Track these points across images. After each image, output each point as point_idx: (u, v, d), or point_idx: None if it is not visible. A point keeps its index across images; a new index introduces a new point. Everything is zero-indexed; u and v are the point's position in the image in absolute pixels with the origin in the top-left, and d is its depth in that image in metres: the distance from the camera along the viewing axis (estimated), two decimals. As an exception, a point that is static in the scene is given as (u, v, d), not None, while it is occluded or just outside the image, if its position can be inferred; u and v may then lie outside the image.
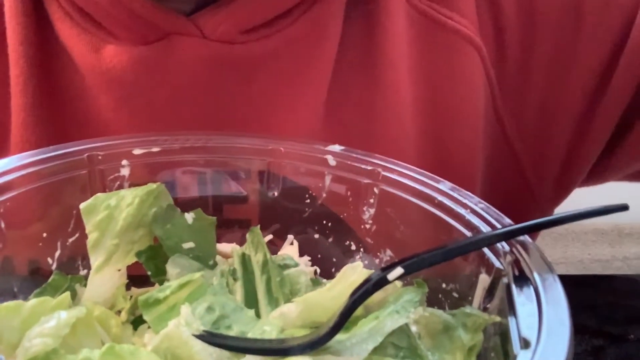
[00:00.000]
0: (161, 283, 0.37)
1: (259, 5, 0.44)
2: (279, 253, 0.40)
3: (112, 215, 0.36)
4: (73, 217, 0.37)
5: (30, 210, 0.37)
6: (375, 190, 0.39)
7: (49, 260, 0.37)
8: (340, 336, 0.31)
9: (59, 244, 0.38)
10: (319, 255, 0.41)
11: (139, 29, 0.43)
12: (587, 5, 0.48)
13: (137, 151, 0.39)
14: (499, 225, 0.33)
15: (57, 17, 0.45)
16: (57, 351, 0.30)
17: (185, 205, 0.39)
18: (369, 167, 0.39)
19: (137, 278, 0.39)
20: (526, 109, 0.50)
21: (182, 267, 0.37)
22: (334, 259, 0.41)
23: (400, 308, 0.32)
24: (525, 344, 0.25)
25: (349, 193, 0.40)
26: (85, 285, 0.37)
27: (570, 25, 0.48)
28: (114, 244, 0.36)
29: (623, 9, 0.48)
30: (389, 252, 0.39)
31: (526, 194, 0.53)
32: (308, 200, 0.41)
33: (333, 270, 0.41)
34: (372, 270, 0.33)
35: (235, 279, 0.36)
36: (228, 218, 0.42)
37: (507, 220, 0.33)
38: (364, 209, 0.40)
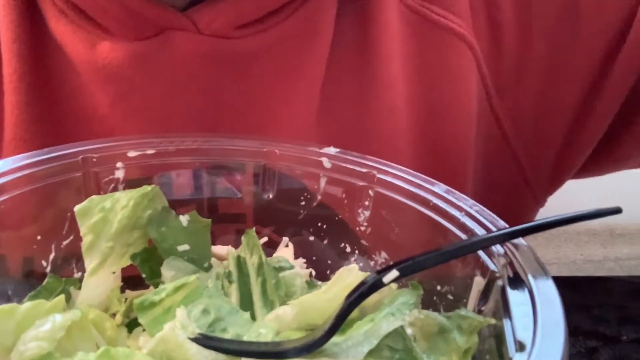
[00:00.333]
0: (156, 285, 0.37)
1: (253, 1, 0.44)
2: (274, 255, 0.40)
3: (107, 218, 0.36)
4: (67, 219, 0.37)
5: (24, 213, 0.36)
6: (370, 192, 0.39)
7: (43, 262, 0.37)
8: (336, 339, 0.31)
9: (53, 246, 0.37)
10: (314, 257, 0.41)
11: (135, 25, 0.44)
12: (584, 3, 0.49)
13: (131, 153, 0.39)
14: (493, 228, 0.33)
15: (51, 15, 0.45)
16: (52, 354, 0.30)
17: (180, 206, 0.39)
18: (364, 170, 0.39)
19: (131, 279, 0.38)
20: (522, 105, 0.51)
21: (177, 269, 0.37)
22: (329, 261, 0.41)
23: (396, 310, 0.32)
24: (521, 346, 0.26)
25: (344, 195, 0.40)
26: (79, 288, 0.37)
27: (567, 22, 0.49)
28: (109, 247, 0.36)
29: (620, 4, 0.48)
30: (384, 254, 0.39)
31: (521, 185, 0.54)
32: (303, 202, 0.41)
33: (328, 272, 0.41)
34: (368, 273, 0.33)
35: (230, 282, 0.36)
36: (223, 213, 0.42)
37: (502, 223, 0.33)
38: (359, 211, 0.40)
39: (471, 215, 0.34)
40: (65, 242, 0.38)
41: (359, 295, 0.30)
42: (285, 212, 0.42)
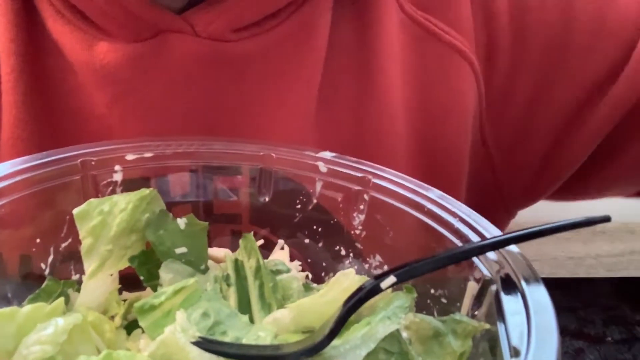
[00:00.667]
0: (154, 287, 0.37)
1: (250, 5, 0.44)
2: (270, 258, 0.41)
3: (106, 221, 0.37)
4: (66, 222, 0.37)
5: (23, 216, 0.37)
6: (366, 196, 0.40)
7: (42, 265, 0.38)
8: (334, 342, 0.31)
9: (51, 249, 0.38)
10: (309, 260, 0.42)
11: (132, 27, 0.44)
12: (578, 29, 0.50)
13: (130, 156, 0.39)
14: (487, 234, 0.34)
15: (49, 15, 0.45)
16: (54, 358, 0.30)
17: (175, 207, 0.39)
18: (360, 174, 0.40)
19: (127, 278, 0.39)
20: (506, 119, 0.52)
21: (174, 272, 0.38)
22: (324, 264, 0.42)
23: (392, 314, 0.33)
24: (515, 352, 0.27)
25: (339, 199, 0.41)
26: (77, 290, 0.37)
27: (558, 46, 0.50)
28: (108, 250, 0.36)
29: (617, 34, 0.49)
30: (378, 257, 0.40)
31: (497, 198, 0.55)
32: (299, 206, 0.42)
33: (323, 274, 0.42)
34: (365, 277, 0.34)
35: (228, 285, 0.37)
36: (218, 214, 0.43)
37: (495, 230, 0.34)
38: (354, 215, 0.40)
39: (465, 221, 0.35)
40: (63, 245, 0.38)
41: (357, 301, 0.31)
42: (281, 215, 0.42)
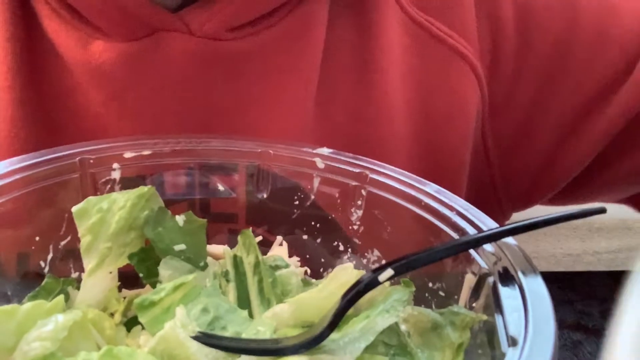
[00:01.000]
0: (153, 285, 0.38)
1: (245, 4, 0.44)
2: (269, 254, 0.41)
3: (105, 219, 0.37)
4: (65, 220, 0.38)
5: (22, 214, 0.37)
6: (363, 192, 0.40)
7: (42, 263, 0.38)
8: (333, 335, 0.32)
9: (51, 247, 0.38)
10: (307, 256, 0.42)
11: (127, 25, 0.44)
12: (581, 38, 0.50)
13: (128, 154, 0.39)
14: (484, 227, 0.34)
15: (45, 14, 0.45)
16: (54, 354, 0.30)
17: (172, 205, 0.40)
18: (357, 170, 0.40)
19: (126, 276, 0.39)
20: (507, 125, 0.52)
21: (174, 268, 0.38)
22: (322, 260, 0.42)
23: (390, 307, 0.33)
24: (513, 342, 0.27)
25: (337, 195, 0.41)
26: (77, 288, 0.38)
27: (562, 54, 0.50)
28: (107, 247, 0.37)
29: (621, 44, 0.49)
30: (376, 252, 0.40)
31: (493, 200, 0.55)
32: (297, 202, 0.42)
33: (321, 270, 0.42)
34: (363, 271, 0.34)
35: (227, 281, 0.37)
36: (215, 213, 0.43)
37: (492, 223, 0.35)
38: (352, 210, 0.41)
39: (462, 214, 0.36)
40: (63, 243, 0.38)
41: (355, 294, 0.31)
42: (279, 212, 0.43)
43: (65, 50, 0.45)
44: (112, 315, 0.37)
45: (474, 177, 0.53)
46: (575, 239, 1.59)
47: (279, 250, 0.42)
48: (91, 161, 0.38)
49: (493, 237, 0.32)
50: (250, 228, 0.39)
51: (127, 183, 0.40)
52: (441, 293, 0.36)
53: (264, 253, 0.41)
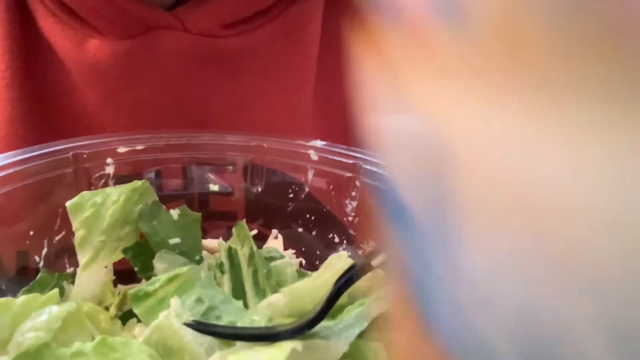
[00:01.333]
0: (148, 279, 0.37)
1: (240, 1, 0.45)
2: (264, 247, 0.41)
3: (99, 213, 0.37)
4: (59, 215, 0.38)
5: (16, 209, 0.37)
6: (357, 183, 0.40)
7: (36, 258, 0.38)
8: (327, 322, 0.32)
9: (45, 242, 0.38)
10: (303, 249, 0.42)
11: (122, 24, 0.44)
12: None
13: (121, 149, 0.39)
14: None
15: (40, 14, 0.46)
16: (48, 345, 0.30)
17: (170, 201, 0.40)
18: (351, 161, 0.40)
19: (123, 273, 0.39)
20: None
21: (168, 262, 0.38)
22: (318, 252, 0.42)
23: (385, 294, 0.33)
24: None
25: (331, 187, 0.41)
26: (72, 283, 0.38)
27: None
28: (101, 241, 0.37)
29: None
30: (372, 243, 0.40)
31: None
32: (291, 195, 0.42)
33: (317, 262, 0.42)
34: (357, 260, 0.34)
35: (222, 272, 0.37)
36: (214, 210, 0.43)
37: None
38: (346, 201, 0.41)
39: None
40: (57, 238, 0.38)
41: (348, 279, 0.31)
42: (274, 206, 0.43)
43: (61, 49, 0.45)
44: (107, 309, 0.37)
45: None
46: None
47: (275, 243, 0.42)
48: (85, 156, 0.38)
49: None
50: (245, 220, 0.39)
51: (123, 180, 0.40)
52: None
53: (260, 247, 0.41)
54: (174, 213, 0.39)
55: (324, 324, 0.31)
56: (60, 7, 0.45)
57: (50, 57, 0.45)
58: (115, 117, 0.45)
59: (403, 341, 0.14)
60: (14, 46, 0.45)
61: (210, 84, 0.46)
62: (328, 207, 0.41)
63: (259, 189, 0.42)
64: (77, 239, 0.36)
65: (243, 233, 0.38)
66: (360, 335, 0.31)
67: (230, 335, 0.30)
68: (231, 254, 0.38)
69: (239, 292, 0.37)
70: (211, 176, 0.42)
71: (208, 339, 0.31)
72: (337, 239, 0.42)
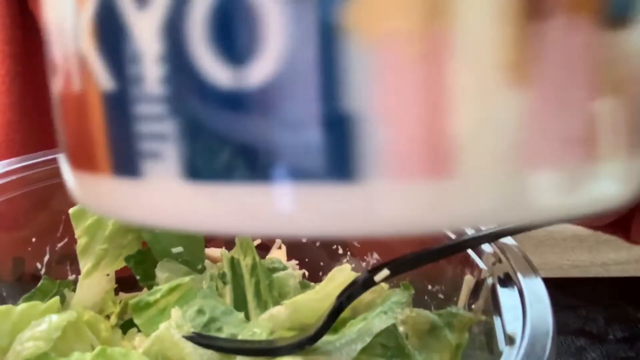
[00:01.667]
0: (150, 287, 0.37)
1: None
2: (268, 257, 0.41)
3: (101, 220, 0.37)
4: (62, 222, 0.37)
5: (19, 215, 0.37)
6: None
7: (38, 265, 0.37)
8: (329, 337, 0.31)
9: (47, 248, 0.38)
10: (307, 259, 0.42)
11: None
12: None
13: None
14: (483, 228, 0.34)
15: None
16: (48, 354, 0.30)
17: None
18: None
19: (125, 281, 0.39)
20: None
21: (171, 271, 0.37)
22: (321, 263, 0.42)
23: (388, 309, 0.33)
24: (510, 340, 0.26)
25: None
26: (73, 290, 0.37)
27: None
28: (103, 249, 0.36)
29: None
30: (375, 255, 0.40)
31: None
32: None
33: (320, 274, 0.41)
34: (360, 273, 0.34)
35: (224, 283, 0.37)
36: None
37: (491, 223, 0.34)
38: (351, 213, 0.40)
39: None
40: (59, 245, 0.38)
41: (350, 294, 0.31)
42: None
43: None
44: (108, 317, 0.37)
45: None
46: (583, 251, 1.57)
47: (278, 253, 0.41)
48: (89, 163, 0.38)
49: (491, 237, 0.32)
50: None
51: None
52: (440, 295, 0.36)
53: (263, 257, 0.40)
54: (177, 221, 0.38)
55: (325, 338, 0.31)
56: None
57: None
58: None
59: None
60: (15, 51, 0.45)
61: None
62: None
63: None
64: (79, 247, 0.36)
65: (246, 243, 0.38)
66: (362, 351, 0.31)
67: (230, 349, 0.30)
68: (234, 264, 0.37)
69: (240, 303, 0.36)
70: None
71: (208, 352, 0.31)
72: (341, 250, 0.41)
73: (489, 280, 0.32)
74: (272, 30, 0.10)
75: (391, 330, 0.32)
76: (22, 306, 0.32)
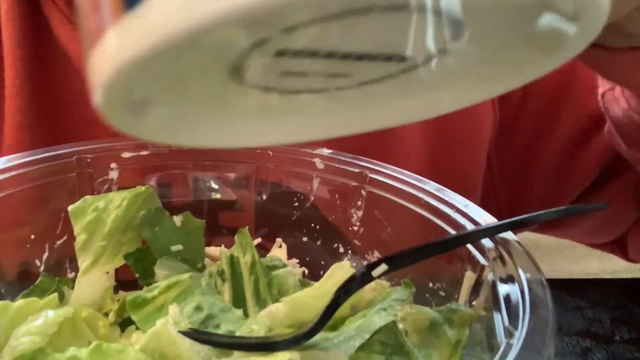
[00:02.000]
0: (149, 286, 0.37)
1: None
2: (267, 255, 0.40)
3: (101, 218, 0.37)
4: (61, 219, 0.37)
5: (18, 212, 0.37)
6: (363, 192, 0.39)
7: (37, 262, 0.37)
8: (328, 334, 0.31)
9: (47, 246, 0.38)
10: (307, 258, 0.42)
11: None
12: (574, 90, 0.50)
13: (126, 154, 0.39)
14: (484, 224, 0.33)
15: (57, 21, 0.46)
16: (44, 350, 0.30)
17: (178, 209, 0.39)
18: (356, 170, 0.39)
19: (125, 283, 0.39)
20: (511, 150, 0.52)
21: (170, 269, 0.37)
22: (322, 262, 0.41)
23: (388, 306, 0.33)
24: (509, 333, 0.26)
25: (336, 196, 0.40)
26: (72, 288, 0.37)
27: (565, 79, 0.50)
28: (102, 246, 0.36)
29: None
30: (376, 253, 0.40)
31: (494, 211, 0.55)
32: (296, 204, 0.41)
33: (321, 272, 0.41)
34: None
35: (223, 280, 0.36)
36: (222, 225, 0.42)
37: (491, 218, 0.34)
38: (352, 211, 0.40)
39: (462, 212, 0.35)
40: (59, 242, 0.38)
41: (348, 289, 0.30)
42: (279, 215, 0.42)
43: (77, 56, 0.45)
44: (107, 315, 0.36)
45: (482, 197, 0.53)
46: (594, 259, 1.56)
47: (278, 252, 0.41)
48: (88, 160, 0.38)
49: (490, 231, 0.31)
50: (247, 227, 0.39)
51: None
52: (441, 293, 0.35)
53: (263, 255, 0.40)
54: (177, 219, 0.38)
55: (323, 335, 0.31)
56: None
57: (65, 65, 0.45)
58: None
59: None
60: (26, 54, 0.45)
61: None
62: (333, 217, 0.41)
63: (264, 197, 0.42)
64: (78, 244, 0.36)
65: (245, 241, 0.38)
66: (361, 348, 0.31)
67: (227, 345, 0.30)
68: (233, 262, 0.37)
69: (239, 300, 0.36)
70: (214, 185, 0.42)
71: (205, 348, 0.30)
72: (341, 249, 0.41)
73: (490, 276, 0.31)
74: None
75: (390, 327, 0.32)
76: (19, 302, 0.32)
